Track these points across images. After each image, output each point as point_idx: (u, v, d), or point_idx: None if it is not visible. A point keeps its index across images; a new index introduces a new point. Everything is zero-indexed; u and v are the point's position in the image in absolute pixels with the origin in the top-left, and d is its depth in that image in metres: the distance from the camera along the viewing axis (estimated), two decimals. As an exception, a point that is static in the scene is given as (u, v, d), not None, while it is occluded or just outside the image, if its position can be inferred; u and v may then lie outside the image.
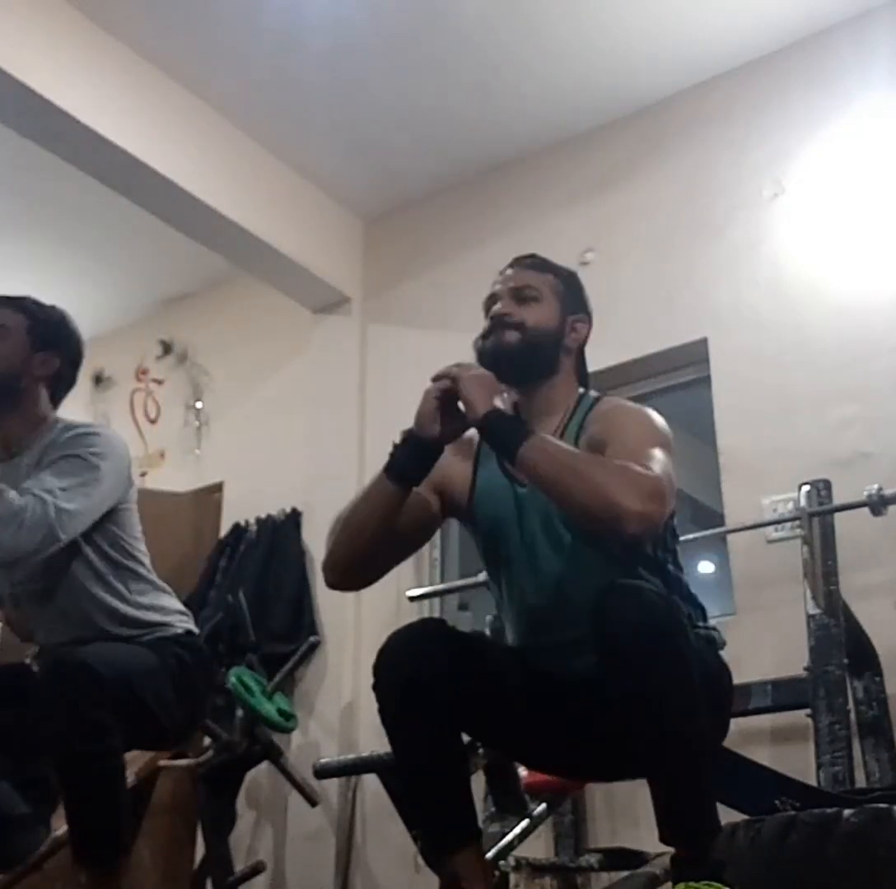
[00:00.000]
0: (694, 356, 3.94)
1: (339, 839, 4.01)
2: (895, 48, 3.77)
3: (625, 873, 2.61)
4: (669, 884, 1.60)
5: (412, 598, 3.95)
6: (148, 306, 5.65)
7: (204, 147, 4.34)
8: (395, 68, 4.18)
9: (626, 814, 3.38)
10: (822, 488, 3.09)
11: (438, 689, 1.71)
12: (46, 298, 2.38)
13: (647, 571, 1.82)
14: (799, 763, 2.90)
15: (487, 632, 3.11)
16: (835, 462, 3.37)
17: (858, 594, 3.07)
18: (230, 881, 3.45)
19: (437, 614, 4.21)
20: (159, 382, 5.56)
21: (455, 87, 4.27)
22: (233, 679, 3.67)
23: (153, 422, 5.47)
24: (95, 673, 1.93)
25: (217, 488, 5.04)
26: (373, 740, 3.98)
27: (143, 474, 5.09)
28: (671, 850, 1.58)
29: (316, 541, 4.60)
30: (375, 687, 1.78)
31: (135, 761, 3.45)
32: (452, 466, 1.97)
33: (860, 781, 2.77)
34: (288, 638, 4.29)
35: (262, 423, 5.06)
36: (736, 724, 3.15)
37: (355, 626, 4.39)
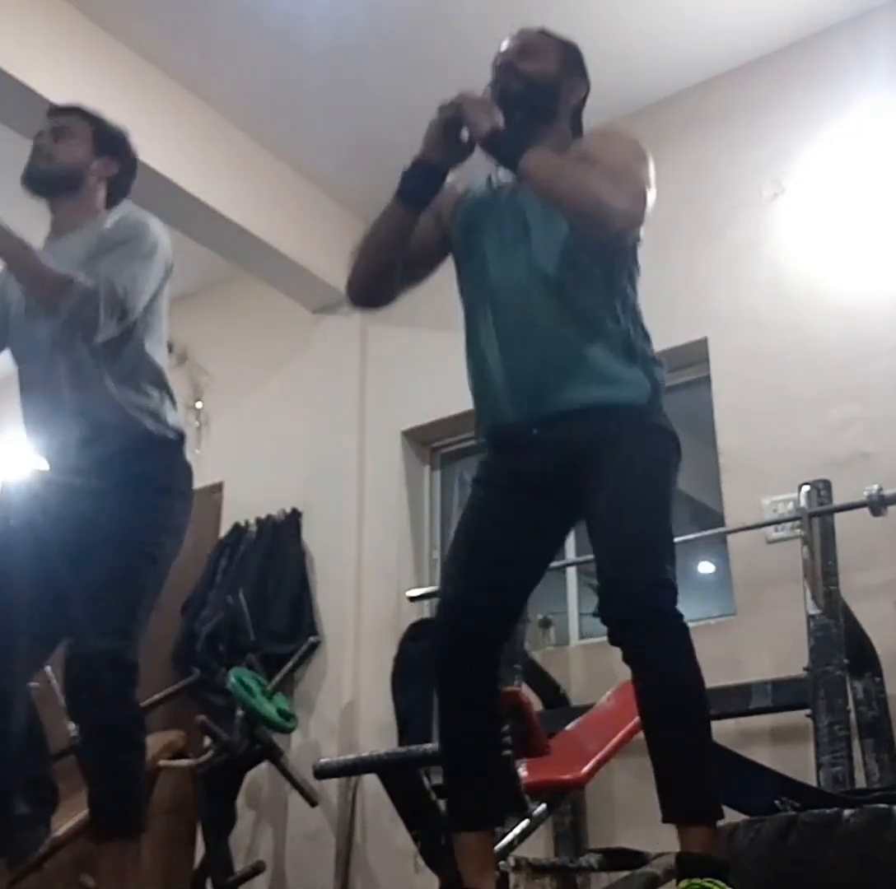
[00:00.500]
0: (694, 356, 3.94)
1: (339, 839, 4.01)
2: (895, 48, 3.77)
3: (625, 873, 2.61)
4: (673, 883, 1.61)
5: (412, 599, 3.95)
6: (148, 306, 5.64)
7: (204, 147, 4.34)
8: (395, 68, 4.18)
9: (626, 814, 3.38)
10: (822, 488, 3.09)
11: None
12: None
13: (605, 276, 1.97)
14: (799, 763, 2.89)
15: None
16: (835, 462, 3.37)
17: (858, 594, 3.07)
18: (230, 881, 3.45)
19: (437, 614, 4.22)
20: (159, 382, 5.56)
21: (455, 88, 4.25)
22: (233, 679, 3.67)
23: (153, 422, 5.47)
24: (116, 669, 2.06)
25: (217, 488, 5.04)
26: (373, 740, 3.99)
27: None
28: (671, 850, 1.59)
29: (316, 541, 4.61)
30: (437, 651, 1.92)
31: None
32: (448, 198, 2.14)
33: (860, 781, 2.77)
34: (288, 638, 4.29)
35: (262, 423, 5.06)
36: (736, 723, 3.19)
37: (355, 626, 4.39)
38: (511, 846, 2.47)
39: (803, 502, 3.08)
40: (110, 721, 2.08)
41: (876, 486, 3.02)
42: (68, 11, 3.87)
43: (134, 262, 2.26)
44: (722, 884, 1.53)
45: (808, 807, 1.95)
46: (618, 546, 1.78)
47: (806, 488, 3.10)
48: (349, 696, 4.27)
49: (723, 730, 2.52)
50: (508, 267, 2.01)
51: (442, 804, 2.27)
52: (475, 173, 2.15)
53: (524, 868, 2.69)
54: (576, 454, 1.88)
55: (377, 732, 4.06)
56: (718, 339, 3.90)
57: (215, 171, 4.36)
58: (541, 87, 2.08)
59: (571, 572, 4.04)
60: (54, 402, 2.29)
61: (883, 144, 3.75)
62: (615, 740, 2.75)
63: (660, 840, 2.06)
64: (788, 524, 3.30)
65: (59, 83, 3.73)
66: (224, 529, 4.84)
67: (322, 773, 2.79)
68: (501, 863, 2.53)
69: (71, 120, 2.50)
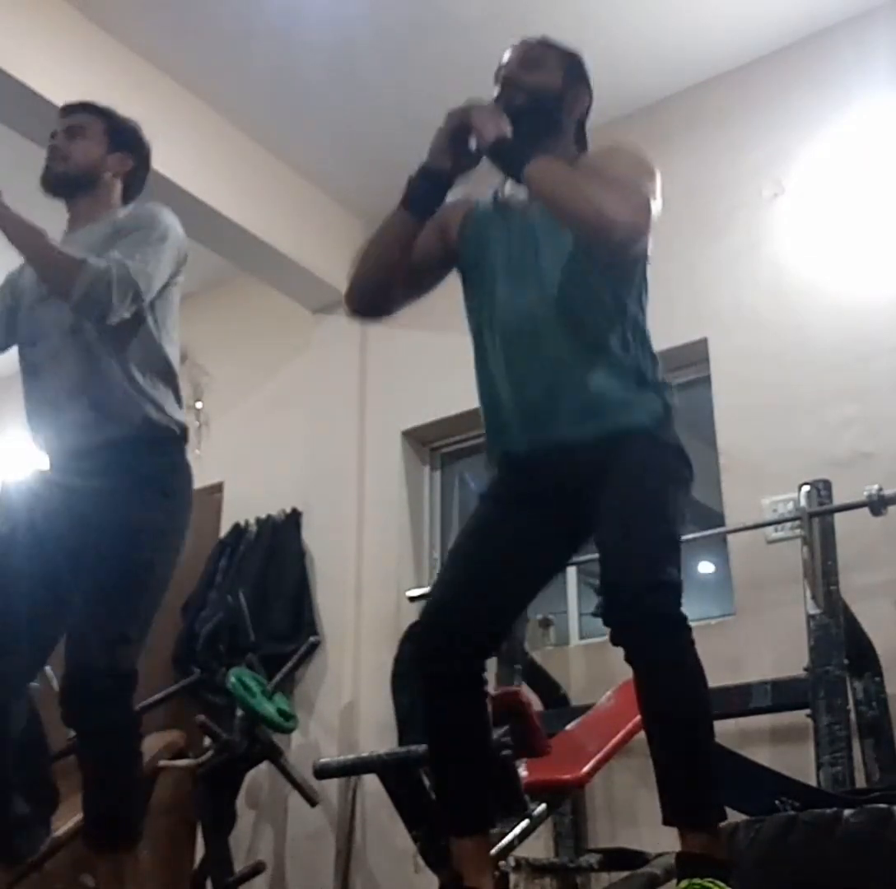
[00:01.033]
0: (694, 356, 3.94)
1: (339, 839, 4.01)
2: (895, 48, 3.77)
3: (625, 873, 2.61)
4: (673, 883, 1.60)
5: (412, 599, 3.94)
6: (148, 306, 5.64)
7: (204, 147, 4.34)
8: (395, 68, 4.18)
9: (626, 814, 3.38)
10: (822, 488, 3.09)
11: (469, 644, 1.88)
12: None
13: (613, 305, 1.96)
14: (799, 763, 2.89)
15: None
16: (835, 462, 3.37)
17: (858, 594, 3.07)
18: (230, 881, 3.45)
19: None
20: (159, 382, 5.56)
21: (455, 88, 4.24)
22: (233, 679, 3.67)
23: (153, 422, 5.47)
24: (114, 675, 2.05)
25: (217, 488, 5.04)
26: (373, 740, 3.99)
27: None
28: (671, 850, 1.59)
29: (316, 541, 4.61)
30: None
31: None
32: (453, 212, 2.13)
33: (860, 781, 2.77)
34: (288, 638, 4.29)
35: (262, 423, 5.06)
36: (736, 723, 3.19)
37: (355, 626, 4.39)
38: (511, 846, 2.47)
39: (803, 502, 3.08)
40: (105, 727, 2.07)
41: (876, 486, 3.02)
42: (68, 12, 3.87)
43: (146, 246, 2.29)
44: (722, 884, 1.53)
45: (808, 807, 1.95)
46: (621, 547, 1.78)
47: (806, 488, 3.10)
48: (349, 696, 4.27)
49: (723, 730, 2.51)
50: (517, 290, 1.99)
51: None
52: (479, 186, 2.13)
53: (524, 868, 2.69)
54: (586, 479, 1.87)
55: (377, 732, 4.06)
56: (718, 339, 3.90)
57: (215, 171, 4.36)
58: (544, 99, 2.06)
59: (571, 572, 4.04)
60: (59, 385, 2.29)
61: (883, 144, 3.75)
62: (615, 740, 2.75)
63: (660, 840, 2.06)
64: (788, 524, 3.30)
65: (59, 83, 3.73)
66: (224, 529, 4.84)
67: (322, 773, 2.79)
68: (501, 863, 2.53)
69: (84, 118, 2.52)
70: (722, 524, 3.62)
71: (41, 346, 2.34)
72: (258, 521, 4.75)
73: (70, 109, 2.56)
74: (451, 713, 1.87)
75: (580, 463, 1.88)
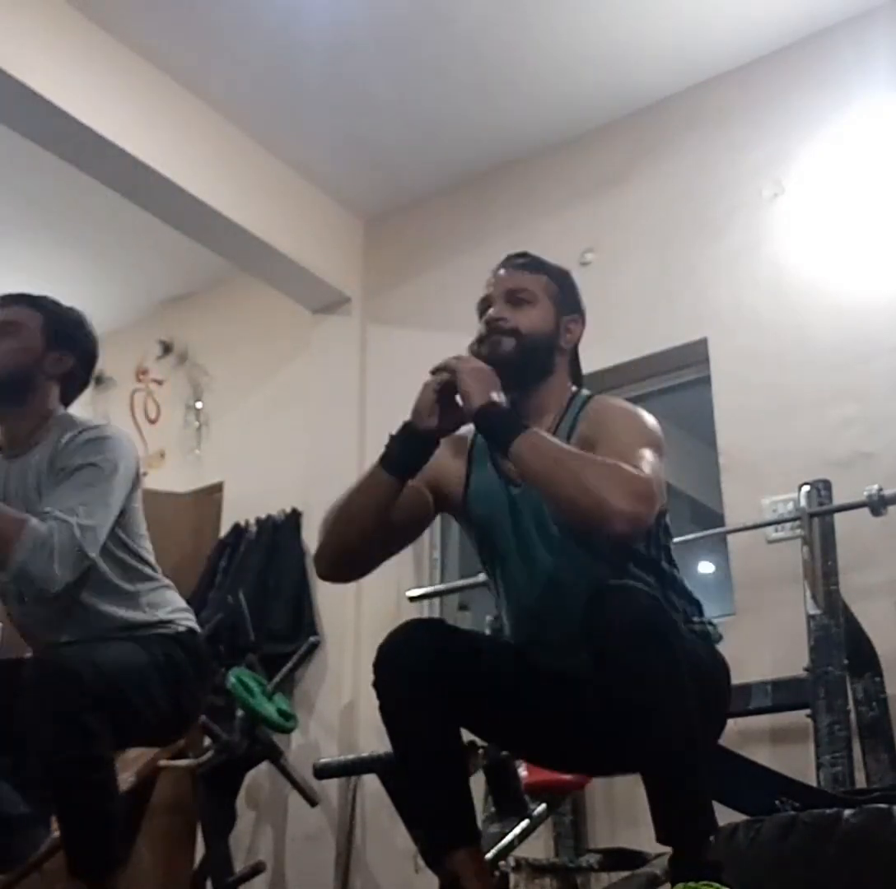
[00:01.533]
0: (694, 356, 3.94)
1: (339, 839, 4.01)
2: (895, 48, 3.77)
3: (625, 873, 2.61)
4: (668, 884, 1.60)
5: (412, 599, 3.95)
6: (148, 306, 5.65)
7: (204, 147, 4.34)
8: (395, 68, 4.18)
9: (626, 814, 3.38)
10: (822, 488, 3.09)
11: (437, 684, 1.73)
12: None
13: (640, 569, 1.83)
14: (799, 763, 2.89)
15: (487, 632, 3.11)
16: (835, 462, 3.37)
17: (858, 594, 3.06)
18: (230, 881, 3.45)
19: (437, 614, 4.22)
20: (159, 383, 5.56)
21: (455, 87, 4.27)
22: (233, 679, 3.67)
23: (153, 422, 5.47)
24: (77, 676, 1.92)
25: (217, 488, 5.04)
26: (373, 740, 3.98)
27: (143, 474, 5.09)
28: (671, 850, 1.58)
29: (315, 541, 4.60)
30: (376, 683, 1.80)
31: (135, 761, 3.46)
32: (446, 463, 1.98)
33: (860, 781, 2.77)
34: (288, 638, 4.29)
35: (262, 423, 5.06)
36: (736, 724, 3.18)
37: (355, 626, 4.39)
38: (511, 846, 2.47)
39: (803, 502, 3.08)
40: (71, 753, 1.90)
41: (876, 486, 3.02)
42: (68, 11, 3.87)
43: (91, 490, 2.07)
44: (716, 885, 1.52)
45: (808, 807, 1.95)
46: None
47: (806, 488, 3.10)
48: (349, 696, 4.27)
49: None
50: (530, 574, 1.89)
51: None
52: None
53: (524, 868, 2.69)
54: None
55: (377, 732, 4.02)
56: (718, 339, 3.89)
57: (215, 171, 4.36)
58: (534, 343, 1.91)
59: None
60: (32, 621, 2.20)
61: (883, 144, 3.75)
62: (615, 740, 2.75)
63: (660, 840, 2.06)
64: (788, 524, 3.30)
65: (59, 83, 3.73)
66: (224, 529, 4.84)
67: (322, 773, 2.79)
68: (501, 863, 2.53)
69: (16, 312, 2.27)
70: (722, 524, 3.62)
71: (16, 606, 2.19)
72: (258, 521, 4.74)
73: (3, 301, 2.28)
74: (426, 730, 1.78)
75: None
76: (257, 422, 5.08)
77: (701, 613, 1.91)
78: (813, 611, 2.90)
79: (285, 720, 3.83)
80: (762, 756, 2.86)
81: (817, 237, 3.81)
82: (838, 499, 3.08)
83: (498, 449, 1.81)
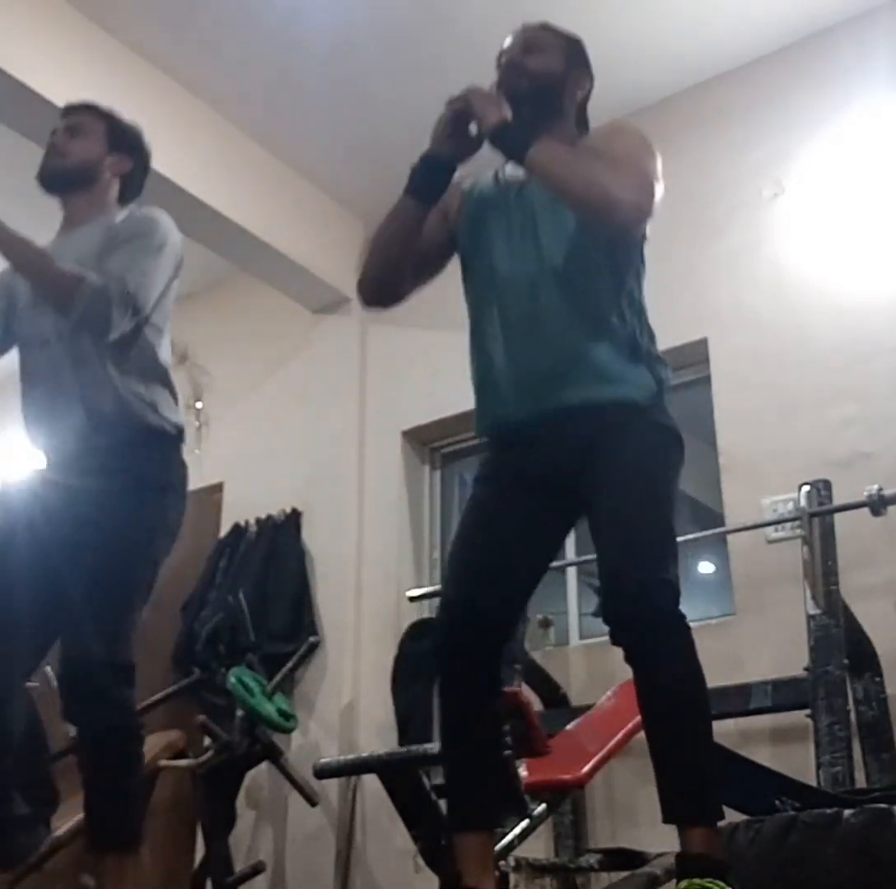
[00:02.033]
0: (694, 356, 3.94)
1: (339, 839, 4.01)
2: (895, 48, 3.77)
3: (625, 873, 2.61)
4: (673, 883, 1.61)
5: (412, 599, 3.95)
6: (148, 306, 5.64)
7: (204, 147, 4.34)
8: (395, 68, 4.18)
9: (626, 814, 3.38)
10: (822, 488, 3.09)
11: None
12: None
13: (613, 275, 1.98)
14: (799, 763, 2.90)
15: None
16: (835, 462, 3.37)
17: (858, 594, 3.06)
18: (230, 881, 3.45)
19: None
20: (159, 382, 5.56)
21: (455, 87, 4.24)
22: (233, 679, 3.67)
23: (153, 422, 5.46)
24: (113, 667, 2.07)
25: (217, 488, 5.04)
26: (373, 740, 3.99)
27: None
28: (671, 850, 1.59)
29: (316, 541, 4.61)
30: (435, 654, 1.92)
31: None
32: (454, 193, 2.13)
33: (860, 781, 2.77)
34: (288, 638, 4.29)
35: (262, 423, 5.06)
36: (736, 724, 3.19)
37: (355, 626, 4.39)
38: (511, 846, 2.47)
39: (803, 502, 3.08)
40: (106, 720, 2.08)
41: (876, 486, 3.02)
42: (68, 11, 3.87)
43: (145, 258, 2.28)
44: (722, 884, 1.53)
45: (808, 807, 1.95)
46: (619, 545, 1.78)
47: (806, 488, 3.10)
48: (349, 696, 4.27)
49: (723, 730, 2.52)
50: (516, 263, 2.00)
51: (442, 804, 2.27)
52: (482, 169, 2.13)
53: (524, 868, 2.69)
54: (578, 452, 1.88)
55: (377, 732, 4.06)
56: (718, 339, 3.90)
57: (215, 171, 4.36)
58: (546, 83, 2.07)
59: (571, 572, 4.04)
60: (56, 390, 2.29)
61: (883, 144, 3.75)
62: (615, 740, 2.75)
63: (660, 840, 2.06)
64: (788, 524, 3.30)
65: (59, 84, 3.73)
66: (224, 529, 4.84)
67: (322, 773, 2.79)
68: (501, 863, 2.53)
69: (85, 117, 2.53)
70: (722, 524, 3.62)
71: (37, 350, 2.35)
72: (258, 521, 4.74)
73: (72, 109, 2.56)
74: (467, 709, 1.88)
75: (573, 435, 1.89)
76: (257, 422, 5.08)
77: (654, 341, 2.02)
78: (813, 611, 2.90)
79: (285, 720, 3.83)
80: (762, 756, 2.87)
81: (817, 237, 3.81)
82: (838, 499, 3.08)
83: (515, 159, 1.96)
